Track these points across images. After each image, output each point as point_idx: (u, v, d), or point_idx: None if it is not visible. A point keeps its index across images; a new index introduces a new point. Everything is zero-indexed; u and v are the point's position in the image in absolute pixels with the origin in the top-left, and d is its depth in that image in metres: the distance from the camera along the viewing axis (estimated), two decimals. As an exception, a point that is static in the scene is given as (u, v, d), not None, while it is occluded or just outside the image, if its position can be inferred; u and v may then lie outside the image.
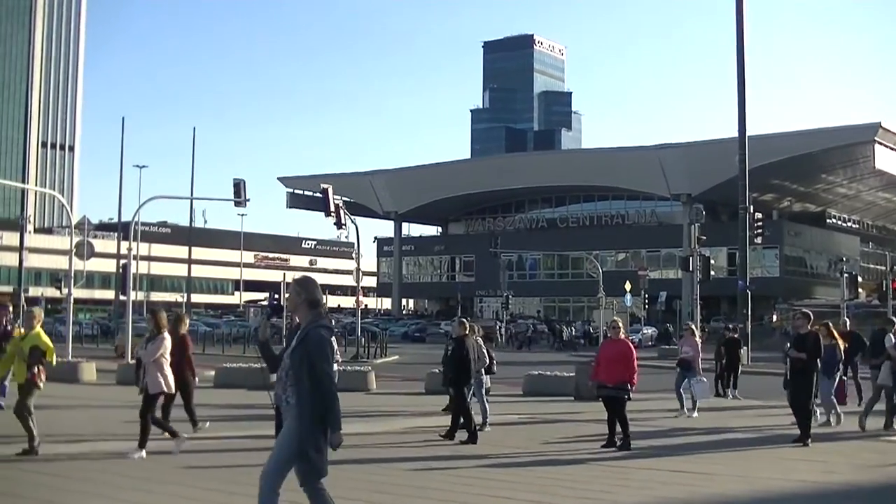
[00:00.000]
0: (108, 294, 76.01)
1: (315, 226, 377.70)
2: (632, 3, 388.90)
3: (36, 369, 9.81)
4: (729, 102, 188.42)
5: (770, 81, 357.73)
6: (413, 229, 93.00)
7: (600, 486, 8.95)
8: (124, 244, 40.69)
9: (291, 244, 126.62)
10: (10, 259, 71.75)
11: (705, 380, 16.15)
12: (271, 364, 5.68)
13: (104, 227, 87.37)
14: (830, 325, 14.53)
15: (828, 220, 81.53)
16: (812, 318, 12.95)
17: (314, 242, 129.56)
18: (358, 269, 36.35)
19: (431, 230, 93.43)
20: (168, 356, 10.23)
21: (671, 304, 59.73)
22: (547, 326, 58.52)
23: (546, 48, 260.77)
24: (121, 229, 59.88)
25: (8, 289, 65.11)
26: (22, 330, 10.58)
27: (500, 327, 53.49)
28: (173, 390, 10.34)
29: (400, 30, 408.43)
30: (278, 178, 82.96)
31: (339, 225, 34.67)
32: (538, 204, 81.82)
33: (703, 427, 14.17)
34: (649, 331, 53.94)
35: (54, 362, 10.30)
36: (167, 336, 10.27)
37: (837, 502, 8.80)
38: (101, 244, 42.07)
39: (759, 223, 37.65)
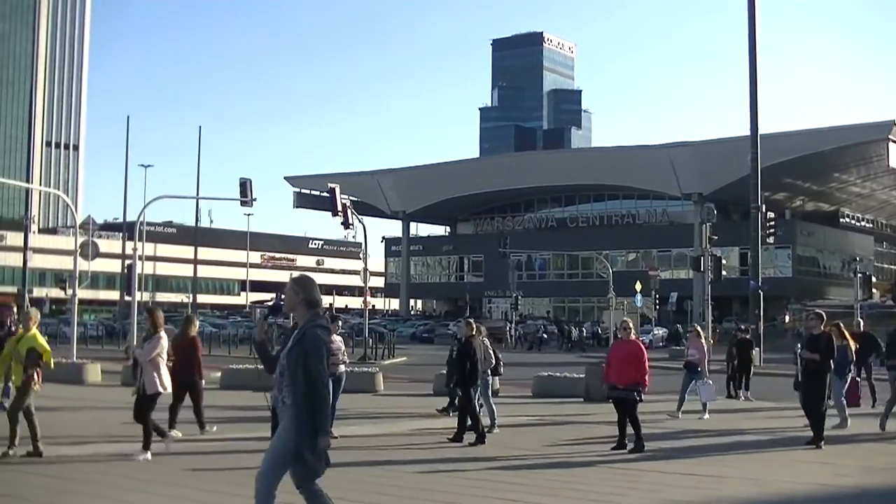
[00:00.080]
0: (113, 295, 76.05)
1: (322, 226, 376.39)
2: (642, 0, 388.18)
3: (33, 372, 9.76)
4: (740, 101, 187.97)
5: (777, 80, 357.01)
6: (421, 229, 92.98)
7: (609, 489, 8.90)
8: (129, 244, 40.37)
9: (298, 244, 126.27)
10: (15, 259, 71.69)
11: (711, 382, 16.09)
12: (268, 364, 5.64)
13: (109, 227, 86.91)
14: (842, 325, 14.43)
15: (841, 220, 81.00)
16: (825, 318, 12.84)
17: (321, 242, 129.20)
18: (365, 270, 36.35)
19: (440, 230, 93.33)
20: (165, 355, 10.13)
21: (682, 305, 59.54)
22: (556, 327, 58.11)
23: (555, 46, 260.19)
24: (126, 229, 59.65)
25: (12, 289, 65.08)
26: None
27: (509, 328, 53.11)
28: (169, 390, 10.24)
29: (408, 28, 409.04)
30: (285, 178, 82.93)
31: (346, 225, 34.55)
32: (548, 203, 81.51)
33: (714, 429, 14.07)
34: (660, 331, 53.65)
35: (52, 364, 10.25)
36: (164, 335, 10.17)
37: (849, 506, 8.64)
38: (105, 244, 41.89)
39: (772, 223, 37.40)
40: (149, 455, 9.73)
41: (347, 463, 9.80)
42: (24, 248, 52.31)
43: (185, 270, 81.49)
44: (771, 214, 38.29)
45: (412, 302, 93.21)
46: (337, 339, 12.64)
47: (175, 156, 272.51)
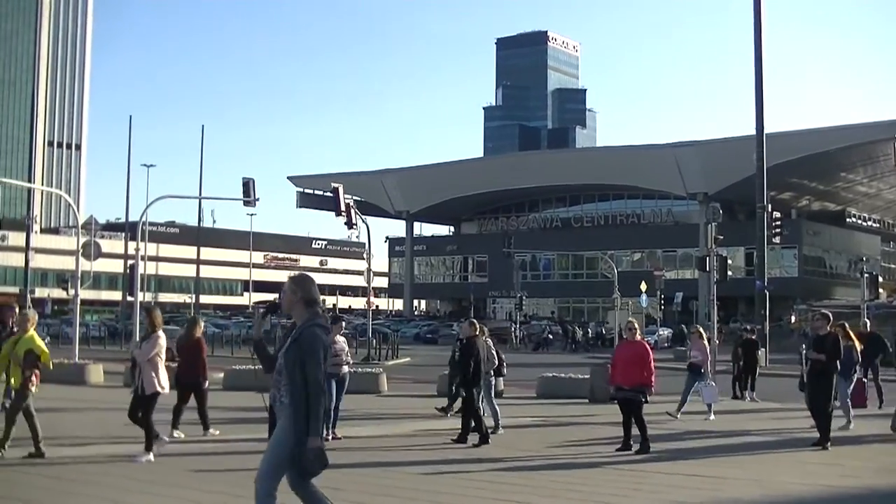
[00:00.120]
0: (116, 295, 75.88)
1: (325, 226, 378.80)
2: None
3: (31, 374, 9.70)
4: (745, 100, 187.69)
5: (780, 80, 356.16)
6: (425, 229, 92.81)
7: (613, 490, 8.87)
8: (132, 244, 40.27)
9: (301, 244, 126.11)
10: (17, 259, 71.74)
11: (714, 384, 16.10)
12: (266, 363, 5.61)
13: (111, 227, 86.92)
14: (847, 326, 14.34)
15: (847, 220, 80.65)
16: (831, 319, 12.82)
17: (324, 242, 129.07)
18: (369, 270, 36.23)
19: (444, 230, 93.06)
20: (163, 355, 10.09)
21: (688, 305, 59.37)
22: (560, 328, 57.94)
23: (560, 45, 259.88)
24: (128, 229, 59.53)
25: (14, 289, 65.00)
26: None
27: (514, 329, 52.96)
28: (167, 390, 10.20)
29: (411, 27, 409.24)
30: (288, 178, 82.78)
31: (349, 225, 34.41)
32: (552, 203, 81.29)
33: (720, 430, 14.02)
34: (665, 332, 53.36)
35: (51, 365, 10.21)
36: (162, 335, 10.12)
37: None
38: (108, 244, 41.70)
39: (777, 222, 37.24)
40: (151, 456, 9.70)
41: (351, 464, 9.78)
42: (27, 249, 52.22)
43: (188, 271, 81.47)
44: (777, 214, 38.10)
45: (416, 302, 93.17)
46: (340, 340, 12.56)
47: (177, 155, 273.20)
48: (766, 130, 38.19)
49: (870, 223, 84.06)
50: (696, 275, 52.95)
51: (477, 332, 12.60)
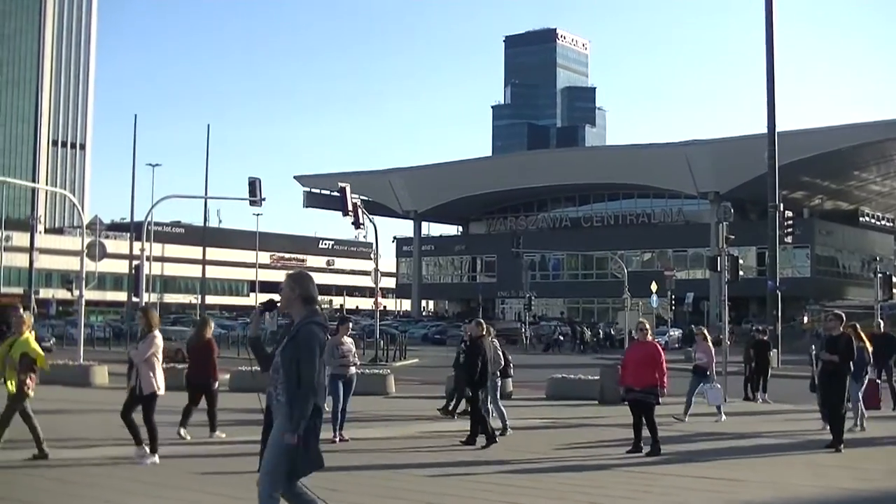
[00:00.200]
0: (121, 296, 75.76)
1: (332, 225, 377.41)
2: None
3: (26, 377, 9.62)
4: (757, 98, 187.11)
5: (789, 78, 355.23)
6: (433, 229, 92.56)
7: (623, 493, 8.83)
8: (137, 244, 40.03)
9: (308, 244, 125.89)
10: (21, 260, 71.48)
11: (719, 386, 16.11)
12: (263, 362, 5.60)
13: (116, 228, 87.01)
14: (858, 327, 14.17)
15: (861, 219, 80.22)
16: (844, 319, 12.74)
17: (331, 242, 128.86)
18: (376, 270, 36.41)
19: (452, 230, 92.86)
20: (160, 355, 10.02)
21: (698, 306, 59.12)
22: (569, 328, 57.71)
23: (569, 42, 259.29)
24: (133, 229, 59.39)
25: (18, 290, 64.80)
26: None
27: (524, 329, 52.67)
28: (163, 391, 10.11)
29: (419, 26, 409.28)
30: (295, 177, 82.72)
31: (357, 224, 34.42)
32: (561, 202, 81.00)
33: (731, 432, 13.96)
34: (676, 332, 53.02)
35: (47, 368, 10.19)
36: (158, 335, 10.08)
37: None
38: (113, 245, 41.59)
39: (790, 222, 36.99)
40: (156, 458, 9.66)
41: (359, 466, 9.84)
42: (31, 249, 52.13)
43: (194, 271, 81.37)
44: (789, 213, 37.92)
45: (424, 303, 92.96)
46: (347, 341, 12.54)
47: (183, 155, 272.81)
48: (780, 129, 37.96)
49: (883, 222, 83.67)
50: (707, 275, 52.76)
51: (484, 333, 12.53)
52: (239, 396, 17.79)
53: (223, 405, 13.27)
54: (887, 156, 63.35)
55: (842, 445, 11.61)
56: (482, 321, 12.95)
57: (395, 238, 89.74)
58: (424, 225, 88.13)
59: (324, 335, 5.41)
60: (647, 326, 11.91)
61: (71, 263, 51.06)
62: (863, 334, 14.17)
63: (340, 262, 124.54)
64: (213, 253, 77.89)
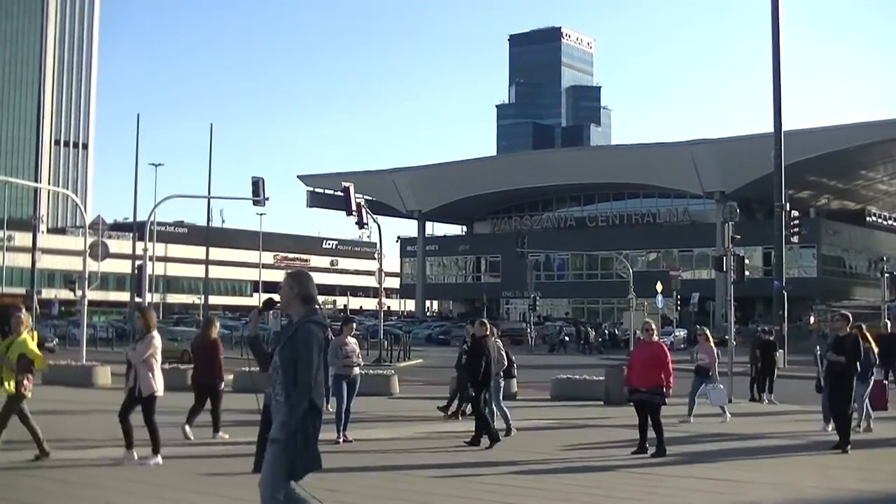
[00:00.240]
0: (124, 296, 75.68)
1: (336, 225, 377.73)
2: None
3: (23, 378, 9.56)
4: (763, 97, 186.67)
5: (798, 77, 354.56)
6: (437, 229, 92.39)
7: (627, 494, 8.82)
8: (140, 244, 39.89)
9: (312, 244, 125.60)
10: (23, 260, 71.42)
11: (722, 386, 16.05)
12: (262, 362, 5.60)
13: (119, 227, 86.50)
14: (863, 327, 14.02)
15: (868, 218, 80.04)
16: (851, 319, 12.67)
17: (335, 242, 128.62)
18: (380, 270, 36.22)
19: (456, 229, 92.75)
20: (158, 356, 9.98)
21: (704, 306, 59.02)
22: (574, 328, 57.56)
23: (574, 41, 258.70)
24: (136, 229, 59.06)
25: (21, 290, 64.58)
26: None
27: (529, 330, 52.49)
28: (162, 392, 10.08)
29: (423, 24, 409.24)
30: (298, 177, 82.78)
31: (360, 224, 34.24)
32: (566, 202, 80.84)
33: (737, 433, 13.93)
34: (681, 333, 52.90)
35: (44, 368, 10.20)
36: (156, 335, 10.04)
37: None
38: (115, 245, 41.35)
39: (796, 221, 36.93)
40: (159, 459, 9.65)
41: (362, 467, 9.86)
42: (33, 249, 52.07)
43: (197, 271, 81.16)
44: (795, 213, 37.92)
45: (428, 303, 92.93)
46: (351, 342, 12.53)
47: (186, 154, 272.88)
48: (788, 128, 37.89)
49: (890, 222, 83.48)
50: (713, 275, 52.53)
51: (488, 332, 12.50)
52: (242, 397, 17.55)
53: (228, 406, 13.30)
54: (894, 155, 63.10)
55: (849, 446, 11.57)
56: (486, 321, 12.93)
57: (399, 238, 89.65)
58: (428, 225, 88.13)
59: (323, 334, 5.36)
60: (654, 327, 11.88)
61: (73, 263, 51.16)
62: (868, 335, 14.09)
63: (344, 263, 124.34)
64: (217, 253, 77.48)
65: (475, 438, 11.81)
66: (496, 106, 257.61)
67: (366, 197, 37.02)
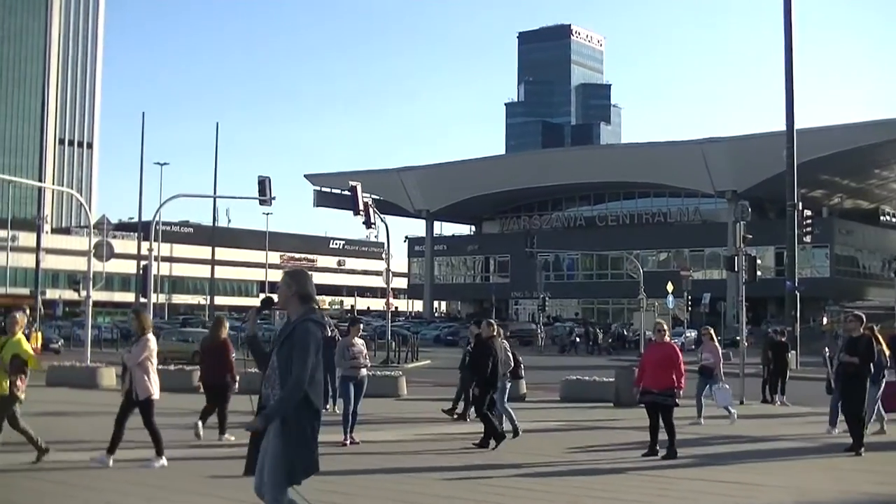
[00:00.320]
0: (129, 296, 75.51)
1: (343, 225, 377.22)
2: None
3: (16, 379, 9.46)
4: (775, 95, 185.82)
5: (811, 75, 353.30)
6: (445, 228, 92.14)
7: (636, 497, 8.76)
8: (145, 245, 39.68)
9: (319, 244, 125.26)
10: (27, 260, 71.44)
11: (728, 386, 15.93)
12: (260, 361, 5.54)
13: (124, 227, 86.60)
14: (875, 329, 13.90)
15: (881, 218, 79.48)
16: (864, 320, 12.56)
17: (342, 242, 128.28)
18: (388, 270, 36.42)
19: (464, 229, 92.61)
20: (154, 359, 9.90)
21: (715, 306, 58.64)
22: (583, 329, 57.26)
23: (584, 39, 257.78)
24: (141, 229, 58.84)
25: (25, 291, 64.61)
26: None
27: (539, 331, 52.21)
28: (157, 395, 9.97)
29: (431, 22, 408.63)
30: (305, 176, 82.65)
31: (368, 224, 34.19)
32: (576, 202, 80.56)
33: (749, 435, 13.83)
34: (692, 334, 52.35)
35: (38, 369, 10.16)
36: (151, 337, 9.95)
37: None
38: (120, 245, 41.27)
39: (809, 221, 36.93)
40: (164, 461, 9.60)
41: (369, 469, 9.84)
42: (37, 249, 51.99)
43: (203, 271, 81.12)
44: (808, 212, 37.64)
45: (436, 303, 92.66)
46: (358, 343, 12.47)
47: (191, 153, 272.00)
48: (800, 126, 37.59)
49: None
50: (725, 275, 52.32)
51: (494, 333, 12.47)
52: (246, 398, 17.48)
53: (234, 407, 13.11)
54: (908, 154, 62.66)
55: (862, 449, 11.44)
56: (493, 321, 12.88)
57: (406, 238, 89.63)
58: (437, 224, 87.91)
59: (320, 333, 5.31)
60: (665, 328, 11.83)
61: (78, 264, 50.84)
62: (880, 337, 13.93)
63: (351, 263, 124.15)
64: (223, 253, 77.47)
65: (484, 440, 11.76)
66: (505, 104, 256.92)
67: (373, 196, 36.81)
